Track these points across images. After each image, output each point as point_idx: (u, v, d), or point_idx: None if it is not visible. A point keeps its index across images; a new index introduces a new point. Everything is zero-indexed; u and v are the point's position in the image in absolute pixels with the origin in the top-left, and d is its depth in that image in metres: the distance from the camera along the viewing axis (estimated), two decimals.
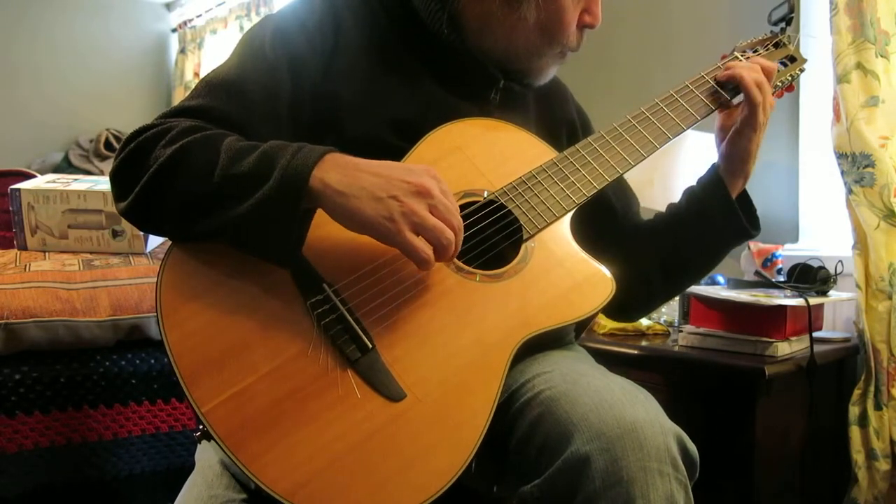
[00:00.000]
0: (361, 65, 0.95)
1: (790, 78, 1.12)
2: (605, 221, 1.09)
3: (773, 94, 1.13)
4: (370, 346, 0.78)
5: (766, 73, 1.02)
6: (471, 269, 0.87)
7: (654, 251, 1.07)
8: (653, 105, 1.02)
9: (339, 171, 0.77)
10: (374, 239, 0.77)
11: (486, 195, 0.92)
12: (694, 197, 1.06)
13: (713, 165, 1.06)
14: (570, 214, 0.93)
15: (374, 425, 0.75)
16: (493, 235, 0.90)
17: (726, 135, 1.04)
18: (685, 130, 1.01)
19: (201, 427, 0.74)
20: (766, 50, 1.12)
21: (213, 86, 0.89)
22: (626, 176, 1.01)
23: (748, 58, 1.09)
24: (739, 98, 1.03)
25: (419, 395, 0.77)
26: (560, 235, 0.92)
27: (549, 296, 0.87)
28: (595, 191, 0.94)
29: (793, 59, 1.13)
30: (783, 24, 1.16)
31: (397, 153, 0.92)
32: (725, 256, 1.10)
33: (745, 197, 1.07)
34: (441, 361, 0.80)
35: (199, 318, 0.78)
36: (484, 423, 0.77)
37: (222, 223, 0.78)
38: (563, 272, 0.89)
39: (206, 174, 0.78)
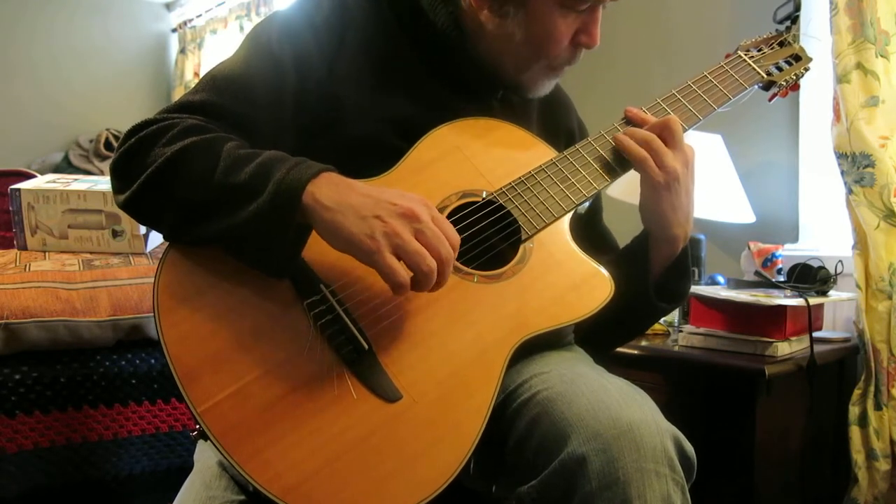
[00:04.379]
0: (367, 64, 0.95)
1: (795, 77, 1.11)
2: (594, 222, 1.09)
3: (778, 95, 1.12)
4: (367, 347, 0.78)
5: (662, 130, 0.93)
6: (469, 269, 0.86)
7: None
8: (654, 104, 1.01)
9: (330, 188, 0.77)
10: (355, 258, 0.76)
11: (484, 195, 0.91)
12: (620, 259, 1.01)
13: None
14: (569, 215, 0.93)
15: (371, 426, 0.75)
16: (491, 236, 0.90)
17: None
18: (687, 130, 1.01)
19: (198, 426, 0.74)
20: (771, 49, 1.11)
21: (217, 81, 0.89)
22: (627, 175, 1.01)
23: (752, 57, 1.08)
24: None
25: (415, 395, 0.77)
26: (559, 236, 0.92)
27: (548, 297, 0.87)
28: (595, 191, 0.94)
29: (798, 58, 1.12)
30: (788, 23, 1.15)
31: (398, 153, 0.92)
32: (647, 324, 1.06)
33: (677, 265, 0.98)
34: (438, 362, 0.80)
35: (195, 318, 0.78)
36: (480, 423, 0.77)
37: (216, 232, 0.79)
38: (562, 273, 0.89)
39: (203, 181, 0.78)
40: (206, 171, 0.78)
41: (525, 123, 1.03)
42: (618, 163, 0.96)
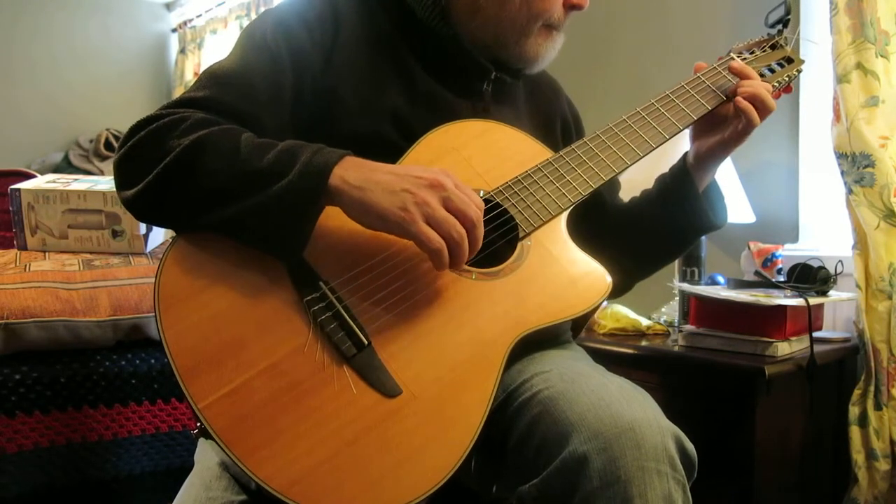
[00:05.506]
0: (360, 60, 0.96)
1: (787, 79, 1.12)
2: (599, 214, 1.10)
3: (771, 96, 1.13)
4: (366, 342, 0.79)
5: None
6: (467, 266, 0.87)
7: (629, 234, 1.09)
8: (648, 105, 1.02)
9: (356, 169, 0.80)
10: (388, 233, 0.79)
11: (482, 194, 0.92)
12: (665, 188, 1.08)
13: (683, 156, 1.07)
14: (566, 213, 0.94)
15: (370, 421, 0.75)
16: (489, 234, 0.90)
17: (706, 135, 1.04)
18: (682, 130, 1.02)
19: (199, 424, 0.74)
20: (763, 52, 1.12)
21: (217, 77, 0.89)
22: (625, 175, 1.01)
23: (745, 59, 1.09)
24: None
25: (415, 391, 0.77)
26: (556, 234, 0.92)
27: (545, 293, 0.87)
28: (591, 190, 0.95)
29: (790, 61, 1.13)
30: (780, 26, 1.16)
31: (394, 148, 0.93)
32: (694, 242, 1.12)
33: (714, 185, 1.09)
34: (437, 358, 0.80)
35: (196, 315, 0.78)
36: (479, 420, 0.77)
37: (236, 214, 0.79)
38: (559, 270, 0.90)
39: (225, 168, 0.79)
40: (227, 159, 0.79)
41: (515, 110, 1.05)
42: (614, 162, 0.97)
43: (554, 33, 1.00)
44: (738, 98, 1.00)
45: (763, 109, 1.00)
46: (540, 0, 0.96)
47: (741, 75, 1.03)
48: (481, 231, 0.80)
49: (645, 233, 1.09)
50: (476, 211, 0.79)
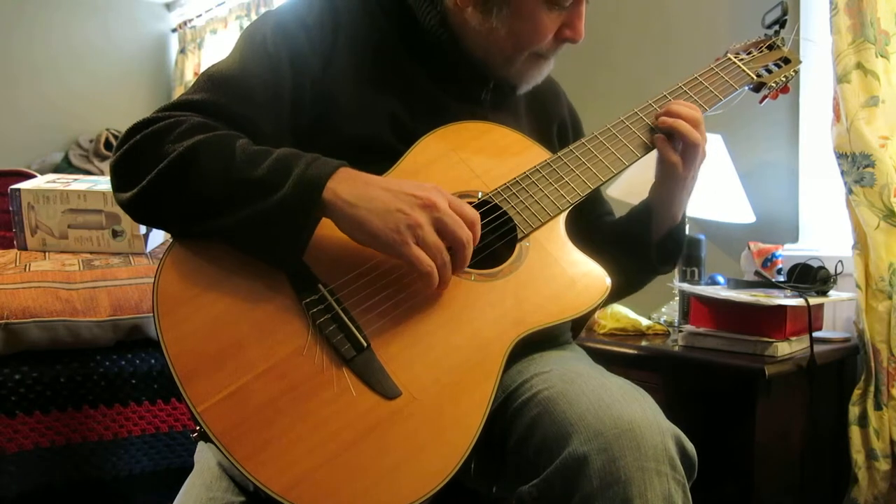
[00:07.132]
0: (359, 63, 0.96)
1: (784, 79, 1.12)
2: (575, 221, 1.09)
3: (768, 97, 1.13)
4: (365, 344, 0.79)
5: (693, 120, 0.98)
6: (466, 268, 0.87)
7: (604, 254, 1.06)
8: (646, 106, 1.02)
9: (350, 183, 0.79)
10: (380, 251, 0.79)
11: (480, 196, 0.92)
12: (626, 222, 1.07)
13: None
14: (564, 214, 0.94)
15: (370, 423, 0.75)
16: (487, 235, 0.90)
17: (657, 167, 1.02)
18: None
19: (198, 428, 0.74)
20: (760, 52, 1.13)
21: (215, 80, 0.89)
22: (626, 174, 1.02)
23: (742, 60, 1.09)
24: None
25: (415, 392, 0.77)
26: (555, 235, 0.93)
27: (544, 294, 0.87)
28: (589, 191, 0.95)
29: (787, 61, 1.13)
30: (777, 27, 1.16)
31: (393, 152, 0.93)
32: (648, 280, 1.10)
33: (677, 230, 1.05)
34: (436, 360, 0.80)
35: (195, 318, 0.78)
36: (479, 422, 0.77)
37: (230, 225, 0.79)
38: (558, 271, 0.90)
39: (219, 175, 0.79)
40: (222, 166, 0.79)
41: (514, 117, 1.05)
42: (612, 164, 0.97)
43: (542, 61, 0.99)
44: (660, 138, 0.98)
45: (689, 146, 0.96)
46: (527, 34, 0.94)
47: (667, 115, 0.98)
48: (470, 251, 0.80)
49: (611, 258, 1.05)
50: (467, 233, 0.79)
